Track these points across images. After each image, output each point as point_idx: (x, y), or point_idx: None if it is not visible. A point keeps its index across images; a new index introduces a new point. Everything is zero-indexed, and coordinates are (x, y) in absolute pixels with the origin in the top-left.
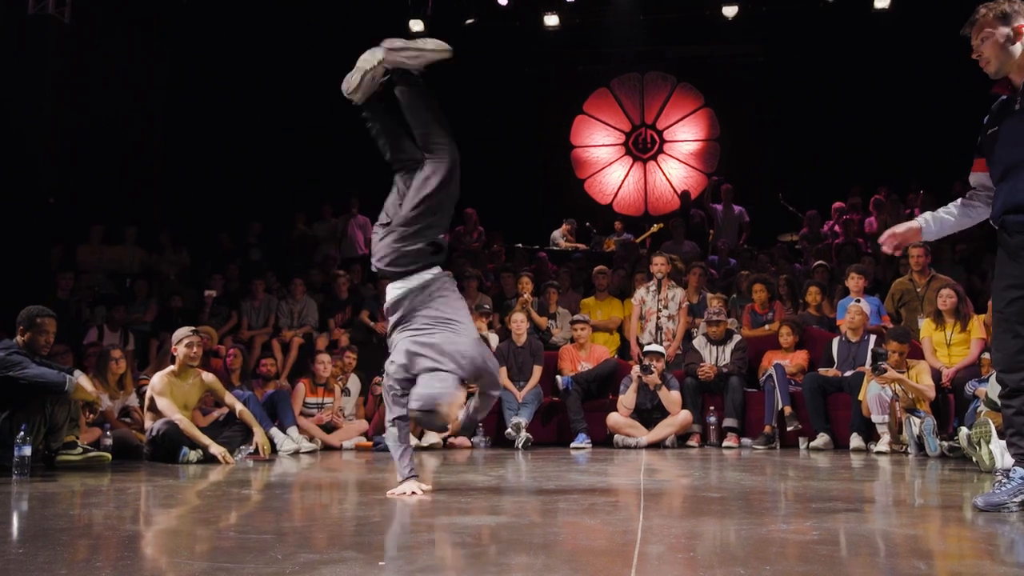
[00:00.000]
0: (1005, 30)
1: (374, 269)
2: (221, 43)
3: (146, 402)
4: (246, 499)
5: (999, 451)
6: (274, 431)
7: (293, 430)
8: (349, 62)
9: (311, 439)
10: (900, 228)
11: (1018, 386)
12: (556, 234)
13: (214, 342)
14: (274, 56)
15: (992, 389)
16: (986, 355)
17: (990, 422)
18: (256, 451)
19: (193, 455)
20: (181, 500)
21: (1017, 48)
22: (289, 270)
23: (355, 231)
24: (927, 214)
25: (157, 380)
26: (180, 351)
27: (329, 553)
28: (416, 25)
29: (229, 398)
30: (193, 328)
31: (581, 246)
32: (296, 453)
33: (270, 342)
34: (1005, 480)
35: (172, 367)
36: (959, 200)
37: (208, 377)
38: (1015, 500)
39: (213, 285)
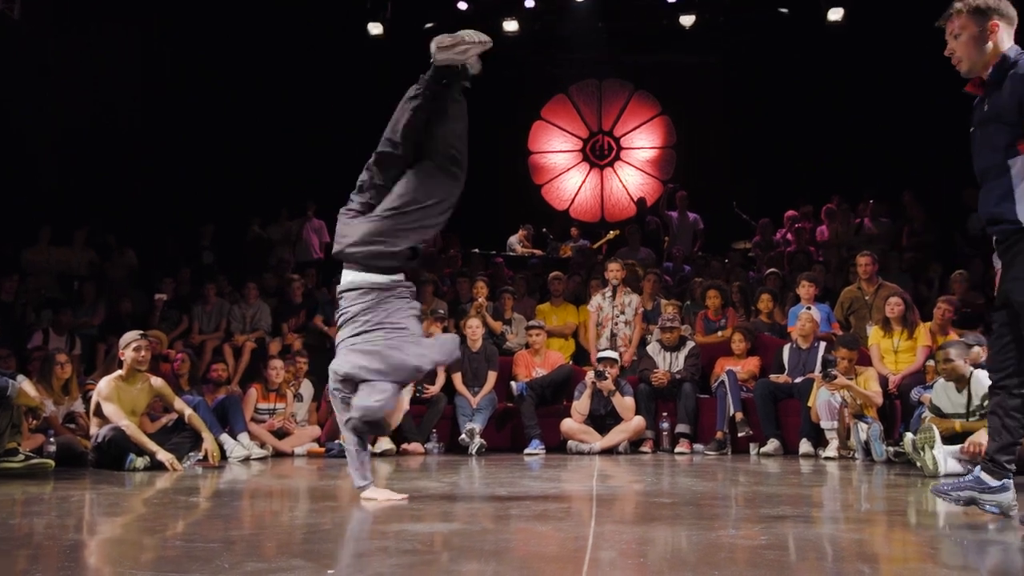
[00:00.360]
0: (977, 28)
1: (336, 252)
2: (188, 42)
3: (92, 407)
4: (194, 507)
5: (942, 456)
6: (224, 437)
7: (244, 436)
8: (304, 66)
9: (262, 445)
10: None
11: (996, 384)
12: (512, 239)
13: (163, 346)
14: (235, 59)
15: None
16: (931, 362)
17: (934, 428)
18: (205, 457)
19: (140, 462)
20: (126, 508)
21: (988, 47)
22: (242, 274)
23: (310, 235)
24: None
25: (104, 385)
26: (128, 355)
27: (277, 561)
28: (375, 28)
29: (178, 403)
30: (141, 332)
31: (538, 252)
32: (246, 460)
33: (222, 347)
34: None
35: (120, 372)
36: None
37: (157, 382)
38: (959, 494)
39: (164, 289)
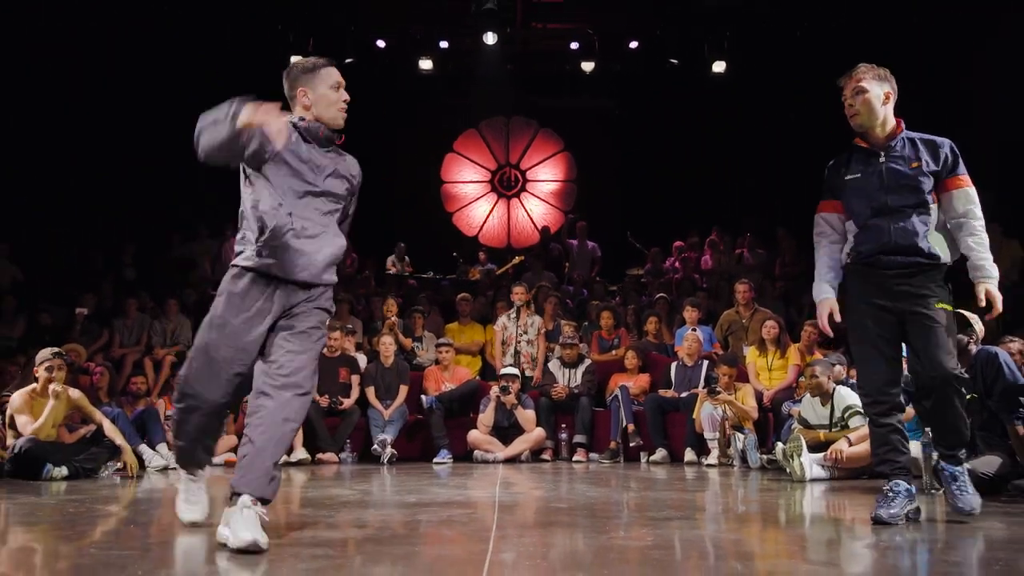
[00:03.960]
0: (879, 91)
1: None
2: (112, 66)
3: (6, 419)
4: (111, 516)
5: (808, 463)
6: (143, 447)
7: (162, 446)
8: (226, 94)
9: None
10: (824, 315)
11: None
12: (389, 259)
13: (82, 359)
14: (159, 83)
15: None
16: (802, 379)
17: (801, 438)
18: (124, 468)
19: (57, 472)
20: (42, 518)
21: (883, 110)
22: (163, 290)
23: (229, 253)
24: (824, 282)
25: (17, 398)
26: (40, 375)
27: (192, 569)
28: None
29: (97, 415)
30: (55, 350)
31: (409, 269)
32: (165, 469)
33: (142, 360)
34: (891, 494)
35: (35, 385)
36: (824, 247)
37: (75, 394)
38: (905, 511)
39: (85, 303)
